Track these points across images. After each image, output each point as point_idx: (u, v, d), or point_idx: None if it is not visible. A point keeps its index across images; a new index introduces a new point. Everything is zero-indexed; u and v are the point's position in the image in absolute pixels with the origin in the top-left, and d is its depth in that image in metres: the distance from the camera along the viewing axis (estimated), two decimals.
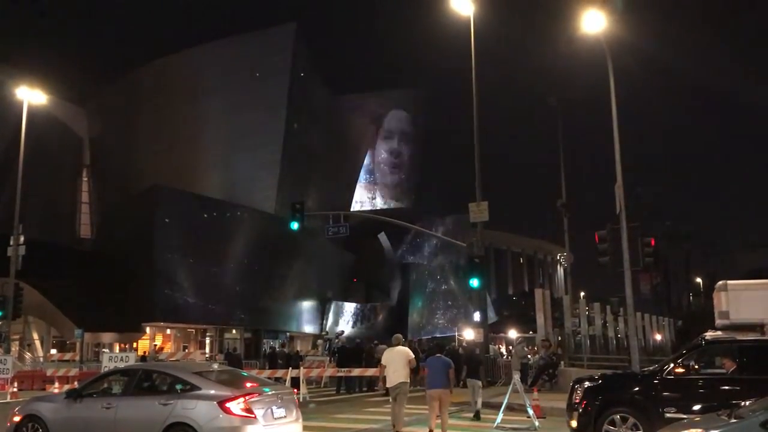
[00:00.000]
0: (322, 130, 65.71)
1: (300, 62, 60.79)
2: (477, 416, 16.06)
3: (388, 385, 13.54)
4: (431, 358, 13.50)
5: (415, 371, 15.82)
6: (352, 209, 69.44)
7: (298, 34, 61.00)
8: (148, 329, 46.40)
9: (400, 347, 13.75)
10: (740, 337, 11.00)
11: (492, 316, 52.48)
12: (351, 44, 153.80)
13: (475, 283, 25.59)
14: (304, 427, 11.52)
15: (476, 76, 27.77)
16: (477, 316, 28.50)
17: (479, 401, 16.50)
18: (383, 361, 13.61)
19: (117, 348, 43.06)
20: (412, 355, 13.79)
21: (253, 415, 9.89)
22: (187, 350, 46.40)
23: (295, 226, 29.73)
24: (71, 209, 65.54)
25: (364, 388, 26.09)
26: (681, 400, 10.24)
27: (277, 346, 47.74)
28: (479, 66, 27.93)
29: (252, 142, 57.15)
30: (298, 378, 23.57)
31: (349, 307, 62.67)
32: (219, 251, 48.16)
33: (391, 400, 13.57)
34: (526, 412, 14.66)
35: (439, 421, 12.92)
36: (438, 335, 60.19)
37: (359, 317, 63.04)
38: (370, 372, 25.04)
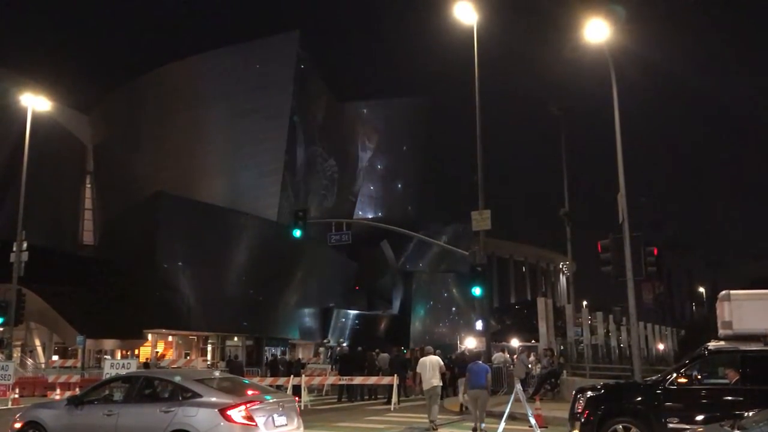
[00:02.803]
0: (325, 137, 65.80)
1: (303, 70, 60.93)
2: (462, 410, 18.37)
3: (424, 388, 16.33)
4: (472, 364, 15.76)
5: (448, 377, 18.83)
6: (354, 217, 69.43)
7: (302, 42, 61.18)
8: (149, 336, 46.40)
9: (432, 356, 16.57)
10: (743, 347, 10.92)
11: (492, 324, 52.41)
12: (354, 52, 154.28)
13: (477, 291, 25.50)
14: None
15: (479, 84, 27.76)
16: (479, 325, 28.42)
17: (463, 396, 18.43)
18: (418, 369, 16.58)
19: (119, 355, 43.02)
20: (442, 363, 16.76)
21: (254, 423, 9.89)
22: (188, 357, 46.33)
23: (297, 233, 29.64)
24: (74, 216, 65.58)
25: (366, 397, 26.02)
26: (684, 410, 10.19)
27: (278, 354, 47.70)
28: (482, 75, 27.89)
29: (255, 150, 57.23)
30: (300, 386, 23.53)
31: (352, 315, 62.57)
32: (221, 258, 48.18)
33: (426, 398, 16.33)
34: (529, 421, 14.61)
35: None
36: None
37: (361, 325, 62.92)
38: (372, 380, 25.00)
